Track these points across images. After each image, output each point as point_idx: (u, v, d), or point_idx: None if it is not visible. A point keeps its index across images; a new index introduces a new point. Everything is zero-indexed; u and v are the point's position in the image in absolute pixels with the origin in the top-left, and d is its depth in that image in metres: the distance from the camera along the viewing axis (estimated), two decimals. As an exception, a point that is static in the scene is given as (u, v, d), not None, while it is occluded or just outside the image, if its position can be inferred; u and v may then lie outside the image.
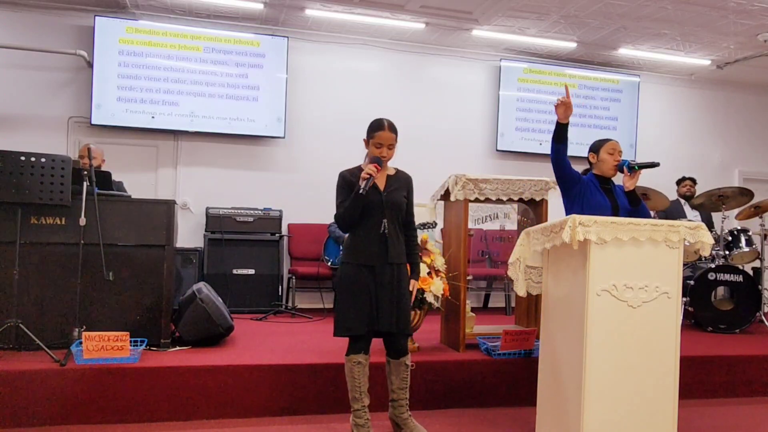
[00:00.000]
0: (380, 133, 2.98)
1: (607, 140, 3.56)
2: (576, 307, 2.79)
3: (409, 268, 3.09)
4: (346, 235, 3.06)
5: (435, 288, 3.86)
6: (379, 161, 2.94)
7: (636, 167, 3.45)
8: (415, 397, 3.36)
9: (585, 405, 2.69)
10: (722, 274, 5.40)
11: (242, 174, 6.64)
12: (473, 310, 4.49)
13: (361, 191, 2.87)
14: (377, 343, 3.09)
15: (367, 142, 3.05)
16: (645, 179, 7.27)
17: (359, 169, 3.04)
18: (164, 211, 3.98)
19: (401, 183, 3.08)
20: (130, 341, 3.46)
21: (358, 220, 2.95)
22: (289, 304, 6.18)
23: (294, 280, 6.19)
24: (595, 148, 3.56)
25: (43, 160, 3.56)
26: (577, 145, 6.22)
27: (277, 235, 6.23)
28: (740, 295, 5.41)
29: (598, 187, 3.47)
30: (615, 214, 3.37)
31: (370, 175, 2.88)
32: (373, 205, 2.94)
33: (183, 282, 5.58)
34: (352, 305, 2.92)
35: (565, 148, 3.47)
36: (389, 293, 2.94)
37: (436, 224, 4.74)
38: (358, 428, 2.97)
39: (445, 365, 3.73)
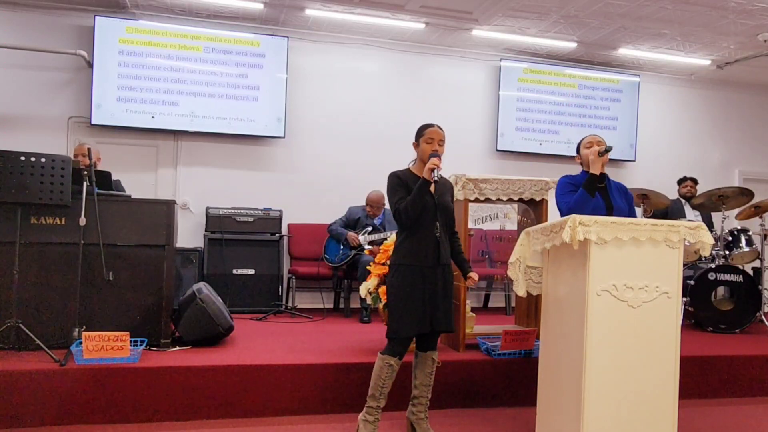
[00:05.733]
0: (430, 129, 3.08)
1: (583, 138, 3.61)
2: (576, 307, 2.78)
3: (453, 266, 3.16)
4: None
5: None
6: (437, 155, 2.99)
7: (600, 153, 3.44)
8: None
9: (585, 405, 2.68)
10: (722, 274, 5.40)
11: (242, 174, 6.64)
12: (473, 310, 4.49)
13: (434, 178, 2.91)
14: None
15: (416, 145, 3.12)
16: (644, 179, 7.38)
17: (408, 171, 3.11)
18: (164, 211, 3.98)
19: (447, 188, 3.16)
20: (130, 341, 3.47)
21: (415, 223, 2.98)
22: (289, 304, 6.18)
23: (294, 280, 6.19)
24: (577, 149, 3.63)
25: (43, 160, 3.56)
26: (577, 145, 6.21)
27: (277, 235, 6.22)
28: (740, 295, 5.41)
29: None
30: (609, 213, 3.37)
31: (436, 165, 2.93)
32: (428, 208, 2.99)
33: (183, 282, 5.57)
34: (408, 307, 2.96)
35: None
36: (442, 293, 3.00)
37: None
38: (366, 424, 3.00)
39: (445, 365, 3.72)
